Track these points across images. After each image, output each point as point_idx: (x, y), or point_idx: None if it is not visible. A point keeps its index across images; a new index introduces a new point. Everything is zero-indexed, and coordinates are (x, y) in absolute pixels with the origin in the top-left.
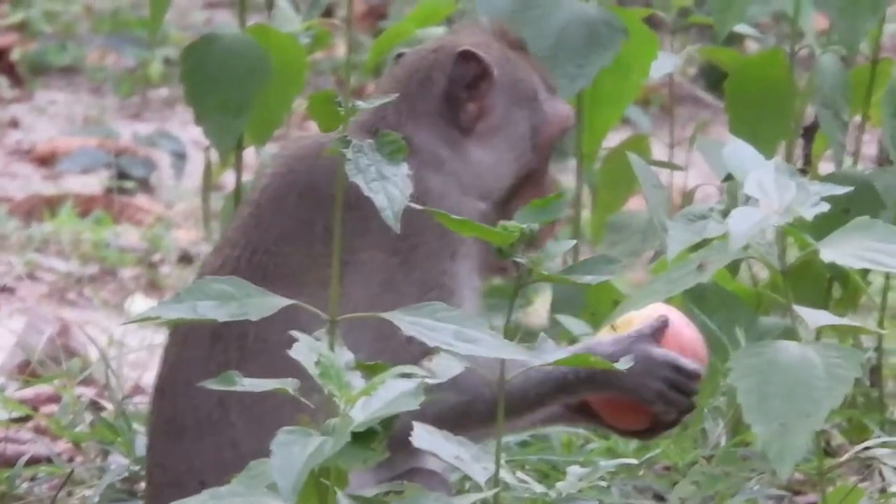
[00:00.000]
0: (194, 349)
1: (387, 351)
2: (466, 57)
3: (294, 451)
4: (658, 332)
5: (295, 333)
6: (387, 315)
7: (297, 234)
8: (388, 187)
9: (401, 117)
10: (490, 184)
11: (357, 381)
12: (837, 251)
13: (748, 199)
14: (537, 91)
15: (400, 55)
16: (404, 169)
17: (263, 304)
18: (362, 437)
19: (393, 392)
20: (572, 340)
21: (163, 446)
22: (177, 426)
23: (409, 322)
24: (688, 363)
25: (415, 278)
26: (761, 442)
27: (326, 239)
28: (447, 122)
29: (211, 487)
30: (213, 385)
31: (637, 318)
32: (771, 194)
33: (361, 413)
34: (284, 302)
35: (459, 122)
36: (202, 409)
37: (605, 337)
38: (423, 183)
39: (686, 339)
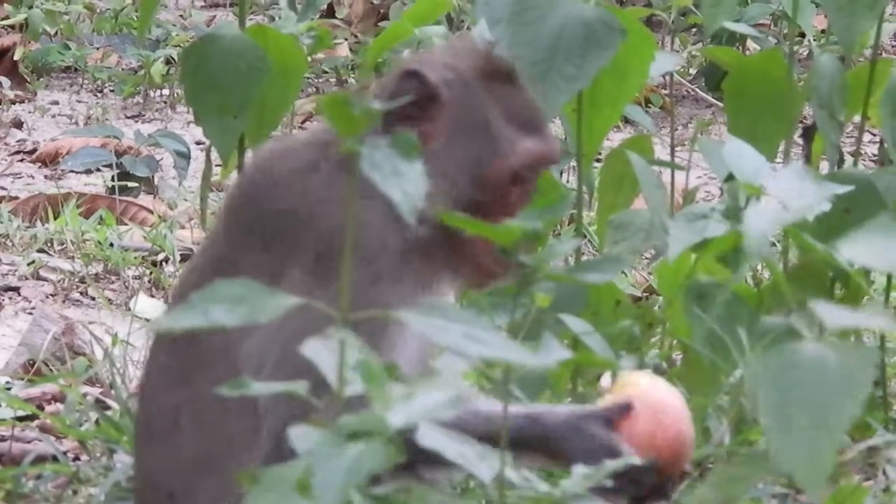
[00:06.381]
0: (159, 354)
1: (283, 372)
2: (411, 76)
3: (336, 465)
4: (619, 415)
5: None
6: (397, 314)
7: (264, 268)
8: (404, 184)
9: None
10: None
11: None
12: (856, 250)
13: (749, 200)
14: (490, 122)
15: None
16: (419, 166)
17: (274, 304)
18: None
19: (429, 400)
20: (573, 339)
21: (138, 451)
22: (146, 431)
23: (419, 321)
24: (631, 458)
25: (329, 300)
26: (785, 463)
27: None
28: None
29: (178, 496)
30: (224, 391)
31: (631, 386)
32: (791, 195)
33: (400, 418)
34: (294, 301)
35: None
36: (163, 416)
37: (562, 408)
38: None
39: (659, 438)
